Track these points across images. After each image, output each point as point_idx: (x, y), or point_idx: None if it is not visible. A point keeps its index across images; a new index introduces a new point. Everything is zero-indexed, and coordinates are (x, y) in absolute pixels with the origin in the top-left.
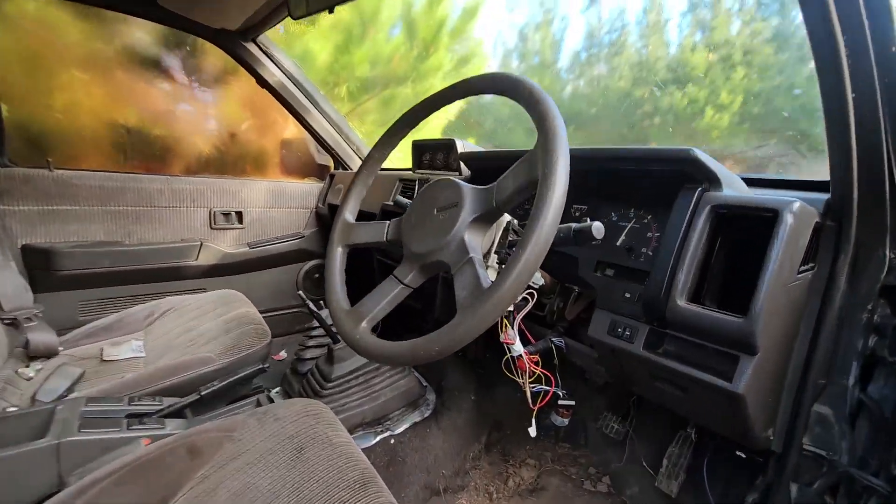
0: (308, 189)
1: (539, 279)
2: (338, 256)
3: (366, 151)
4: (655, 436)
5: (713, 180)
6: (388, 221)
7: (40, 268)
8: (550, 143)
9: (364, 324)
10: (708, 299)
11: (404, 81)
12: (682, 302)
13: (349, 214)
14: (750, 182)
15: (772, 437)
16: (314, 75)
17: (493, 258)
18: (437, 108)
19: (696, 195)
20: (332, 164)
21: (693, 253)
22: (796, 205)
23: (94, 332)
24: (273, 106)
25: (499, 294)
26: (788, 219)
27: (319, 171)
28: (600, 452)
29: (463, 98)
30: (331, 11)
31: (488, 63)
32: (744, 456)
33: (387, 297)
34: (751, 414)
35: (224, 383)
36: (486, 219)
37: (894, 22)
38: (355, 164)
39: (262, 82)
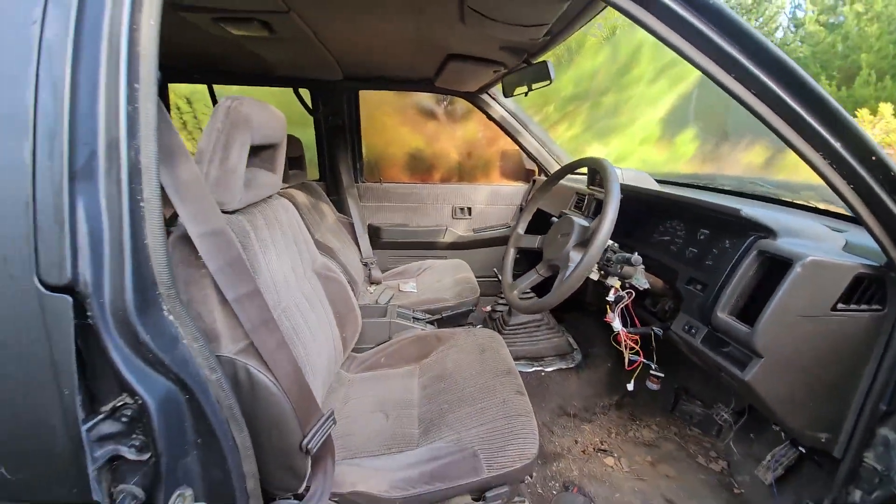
0: (515, 191)
1: (644, 283)
2: (511, 253)
3: (564, 158)
4: (765, 436)
5: (769, 231)
6: (539, 236)
7: (374, 237)
8: (607, 210)
9: (516, 291)
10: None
11: (606, 92)
12: (721, 314)
13: (520, 229)
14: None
15: (823, 440)
16: (526, 98)
17: (595, 266)
18: (563, 177)
19: (747, 241)
20: (536, 169)
21: (738, 281)
22: (808, 259)
23: (394, 275)
24: (495, 130)
25: (565, 285)
26: (797, 268)
27: (526, 175)
28: (727, 445)
29: (577, 170)
30: (528, 92)
31: None
32: (803, 451)
33: (530, 279)
34: (769, 403)
35: (455, 312)
36: (582, 244)
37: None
38: (554, 168)
39: (490, 118)
